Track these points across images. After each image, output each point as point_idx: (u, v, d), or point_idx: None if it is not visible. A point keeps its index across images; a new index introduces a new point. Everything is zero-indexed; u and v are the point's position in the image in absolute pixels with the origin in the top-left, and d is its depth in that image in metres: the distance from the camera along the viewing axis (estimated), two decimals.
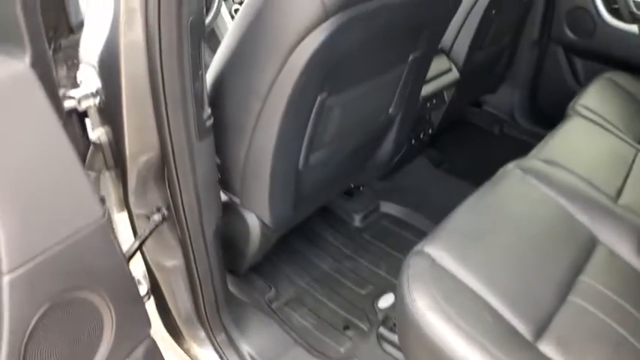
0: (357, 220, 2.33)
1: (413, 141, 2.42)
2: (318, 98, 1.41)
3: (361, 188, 2.41)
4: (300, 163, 1.56)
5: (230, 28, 1.35)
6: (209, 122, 1.26)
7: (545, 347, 1.21)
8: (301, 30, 1.20)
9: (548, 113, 3.07)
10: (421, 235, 2.23)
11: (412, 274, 1.27)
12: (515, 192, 1.65)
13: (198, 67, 1.15)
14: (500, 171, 1.74)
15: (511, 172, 1.72)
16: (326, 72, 1.32)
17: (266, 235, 1.66)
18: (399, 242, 2.25)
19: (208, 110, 1.26)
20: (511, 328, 1.21)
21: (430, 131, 2.54)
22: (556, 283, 1.36)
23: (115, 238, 1.04)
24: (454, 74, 2.36)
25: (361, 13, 1.24)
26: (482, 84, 3.01)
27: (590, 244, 1.54)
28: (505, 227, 1.49)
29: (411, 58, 1.68)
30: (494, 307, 1.24)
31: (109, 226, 0.98)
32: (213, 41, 2.07)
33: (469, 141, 3.12)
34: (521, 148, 3.00)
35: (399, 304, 1.26)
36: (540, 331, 1.23)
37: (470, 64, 2.43)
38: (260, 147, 1.41)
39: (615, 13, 2.80)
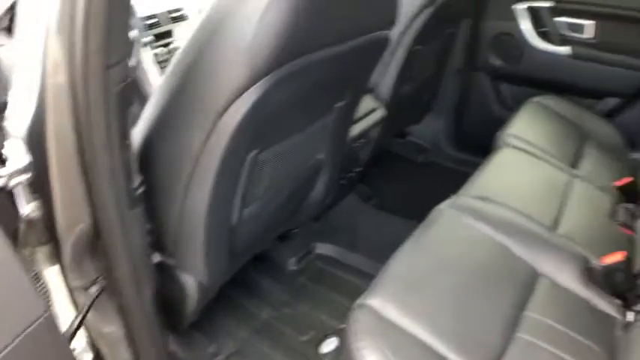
0: (291, 264, 2.32)
1: (343, 180, 2.42)
2: (250, 155, 1.39)
3: (294, 231, 2.38)
4: (233, 218, 1.53)
5: (157, 88, 1.32)
6: (139, 190, 1.22)
7: None
8: (231, 93, 1.17)
9: (475, 139, 3.14)
10: (357, 273, 2.26)
11: (359, 330, 1.26)
12: (451, 232, 1.66)
13: (125, 136, 1.11)
14: (434, 211, 1.75)
15: (445, 211, 1.73)
16: (256, 130, 1.30)
17: (204, 291, 1.61)
18: (336, 283, 2.25)
19: (138, 179, 1.22)
20: None
21: (358, 169, 2.54)
22: (502, 322, 1.37)
23: (57, 327, 1.01)
24: (381, 112, 2.36)
25: (290, 72, 1.23)
26: (408, 116, 3.05)
27: (532, 278, 1.56)
28: (445, 270, 1.49)
29: (337, 105, 1.68)
30: (443, 355, 1.24)
31: (51, 318, 0.95)
32: (135, 90, 2.03)
33: (395, 172, 3.16)
34: (447, 175, 3.10)
35: (347, 357, 1.25)
36: None
37: (396, 100, 2.44)
38: (193, 209, 1.38)
39: (544, 36, 2.91)
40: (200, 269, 1.51)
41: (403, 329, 1.28)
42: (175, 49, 1.98)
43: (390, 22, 1.56)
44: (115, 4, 0.96)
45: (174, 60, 1.26)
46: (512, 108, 2.83)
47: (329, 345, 1.95)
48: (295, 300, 2.15)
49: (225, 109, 1.19)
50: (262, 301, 2.13)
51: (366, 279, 2.18)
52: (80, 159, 1.05)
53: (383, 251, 2.19)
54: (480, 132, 3.05)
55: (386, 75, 2.32)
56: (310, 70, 1.31)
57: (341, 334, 1.93)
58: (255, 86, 1.17)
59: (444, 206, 1.78)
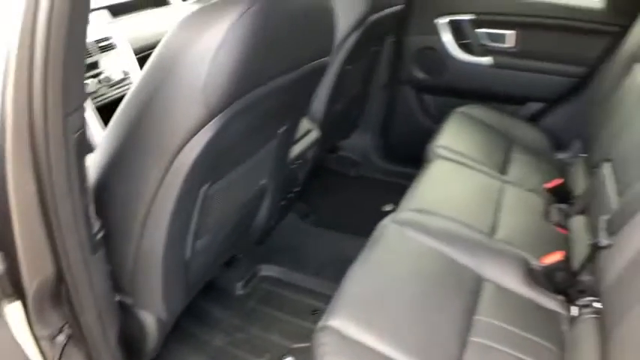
0: (239, 288, 2.35)
1: (283, 202, 2.46)
2: (202, 190, 1.42)
3: (238, 256, 2.42)
4: (187, 253, 1.55)
5: (109, 128, 1.33)
6: (100, 235, 1.23)
7: None
8: (187, 132, 1.20)
9: (403, 150, 3.29)
10: (303, 291, 2.32)
11: (325, 352, 1.30)
12: (398, 248, 1.72)
13: (84, 183, 1.13)
14: (379, 227, 1.81)
15: (389, 227, 1.80)
16: (210, 165, 1.34)
17: (162, 327, 1.63)
18: (284, 303, 2.29)
19: (97, 223, 1.23)
20: None
21: (297, 189, 2.59)
22: (455, 328, 1.45)
23: None
24: (316, 133, 2.42)
25: (242, 107, 1.26)
26: (339, 133, 3.14)
27: (477, 284, 1.64)
28: (398, 285, 1.55)
29: (280, 131, 1.73)
30: None
31: None
32: None
33: (330, 187, 3.23)
34: (378, 187, 3.18)
35: None
36: None
37: (328, 119, 2.51)
38: (150, 248, 1.40)
39: (465, 48, 3.06)
40: (158, 306, 1.53)
41: (367, 346, 1.33)
42: (106, 79, 1.97)
43: (328, 50, 1.63)
44: (72, 51, 0.97)
45: (125, 100, 1.28)
46: (437, 118, 2.95)
47: None
48: (246, 324, 2.17)
49: (181, 147, 1.22)
50: (214, 328, 2.15)
51: (312, 296, 2.27)
52: (42, 207, 1.06)
53: (325, 267, 2.26)
54: (406, 143, 3.20)
55: (319, 96, 2.38)
56: (260, 102, 1.36)
57: (295, 353, 1.97)
58: (210, 123, 1.20)
59: (387, 222, 1.84)
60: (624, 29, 2.69)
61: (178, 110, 1.20)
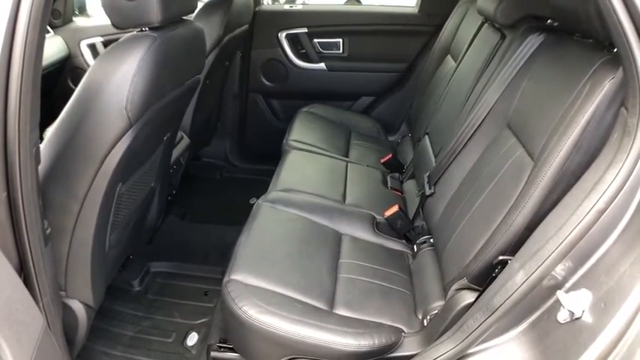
0: (136, 285, 2.60)
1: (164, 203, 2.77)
2: (117, 188, 1.73)
3: (131, 257, 2.68)
4: (106, 245, 1.84)
5: (45, 143, 1.59)
6: (48, 230, 1.49)
7: (338, 311, 1.71)
8: (113, 140, 1.55)
9: (258, 150, 3.73)
10: (193, 278, 2.65)
11: (235, 296, 1.65)
12: (272, 218, 2.11)
13: (38, 186, 1.39)
14: (255, 207, 2.20)
15: (262, 205, 2.19)
16: (124, 167, 1.66)
17: (90, 317, 1.87)
18: (178, 291, 2.59)
19: (46, 222, 1.47)
20: (313, 306, 1.69)
21: (174, 192, 2.91)
22: (327, 270, 1.87)
23: None
24: (186, 141, 2.78)
25: (149, 117, 1.63)
26: (202, 140, 3.47)
27: (337, 237, 2.08)
28: (277, 245, 1.95)
29: (165, 137, 2.09)
30: (297, 298, 1.70)
31: None
32: None
33: (199, 191, 3.56)
34: (241, 184, 3.56)
35: (233, 318, 1.63)
36: (331, 302, 1.73)
37: (195, 128, 2.86)
38: (81, 243, 1.67)
39: (304, 56, 3.56)
40: (87, 293, 1.79)
41: (265, 288, 1.70)
42: None
43: (202, 68, 2.02)
44: (35, 78, 1.26)
45: (59, 120, 1.57)
46: (284, 119, 3.46)
47: (192, 339, 2.30)
48: (150, 313, 2.45)
49: (109, 152, 1.56)
50: (123, 321, 2.40)
51: (202, 281, 2.61)
52: (9, 209, 1.30)
53: (209, 255, 2.59)
54: (261, 143, 3.67)
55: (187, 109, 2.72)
56: (159, 112, 1.73)
57: (197, 328, 2.29)
58: (129, 132, 1.56)
59: (260, 201, 2.22)
60: (437, 28, 3.29)
61: (106, 123, 1.54)
